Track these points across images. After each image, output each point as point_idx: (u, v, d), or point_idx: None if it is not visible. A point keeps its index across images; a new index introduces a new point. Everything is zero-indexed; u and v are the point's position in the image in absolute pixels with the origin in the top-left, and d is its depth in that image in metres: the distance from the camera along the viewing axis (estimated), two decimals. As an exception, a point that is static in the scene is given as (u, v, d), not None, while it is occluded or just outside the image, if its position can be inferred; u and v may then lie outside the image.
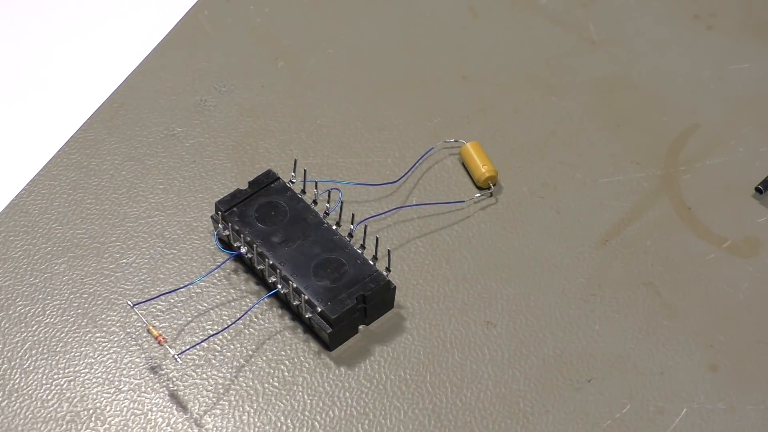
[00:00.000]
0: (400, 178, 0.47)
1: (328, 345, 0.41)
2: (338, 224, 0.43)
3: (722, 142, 0.49)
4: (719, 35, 0.54)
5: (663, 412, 0.39)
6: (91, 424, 0.39)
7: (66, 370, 0.41)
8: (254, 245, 0.42)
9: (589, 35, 0.55)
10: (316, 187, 0.44)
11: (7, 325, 0.42)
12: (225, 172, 0.48)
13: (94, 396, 0.40)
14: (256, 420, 0.39)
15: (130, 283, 0.43)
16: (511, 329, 0.42)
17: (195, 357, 0.41)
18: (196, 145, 0.49)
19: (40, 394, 0.40)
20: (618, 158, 0.49)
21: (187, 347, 0.41)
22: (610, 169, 0.48)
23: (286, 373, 0.40)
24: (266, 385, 0.40)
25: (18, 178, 0.47)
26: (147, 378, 0.40)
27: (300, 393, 0.40)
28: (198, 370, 0.40)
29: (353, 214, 0.43)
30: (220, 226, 0.43)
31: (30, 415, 0.39)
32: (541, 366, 0.41)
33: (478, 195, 0.47)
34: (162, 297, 0.42)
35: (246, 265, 0.43)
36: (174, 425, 0.39)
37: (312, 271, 0.41)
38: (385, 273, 0.41)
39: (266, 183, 0.44)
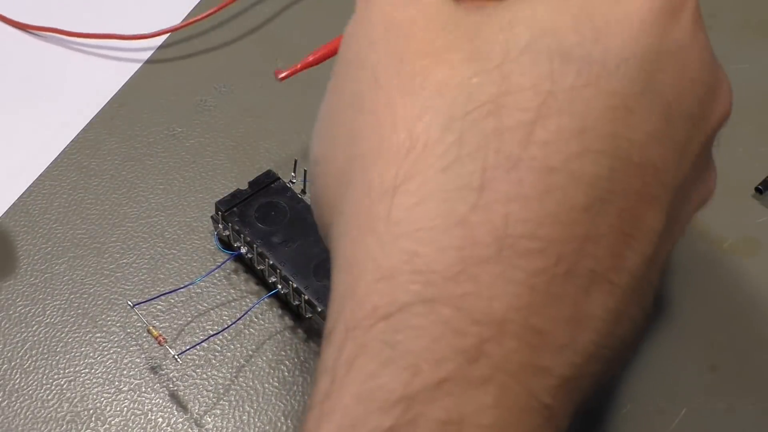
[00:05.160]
0: (400, 178, 0.47)
1: (328, 345, 0.41)
2: (338, 224, 0.43)
3: (722, 142, 0.49)
4: (719, 35, 0.54)
5: (663, 412, 0.39)
6: (92, 424, 0.39)
7: (66, 371, 0.41)
8: (254, 245, 0.42)
9: (589, 35, 0.55)
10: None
11: (7, 325, 0.42)
12: (225, 172, 0.48)
13: (95, 396, 0.40)
14: (256, 420, 0.39)
15: (130, 283, 0.43)
16: (511, 329, 0.42)
17: (195, 357, 0.41)
18: (196, 145, 0.49)
19: (40, 395, 0.40)
20: (618, 158, 0.49)
21: (187, 347, 0.41)
22: (610, 169, 0.48)
23: (286, 373, 0.40)
24: (266, 385, 0.40)
25: (21, 180, 0.47)
26: (147, 378, 0.40)
27: (300, 393, 0.40)
28: (198, 370, 0.40)
29: (353, 214, 0.43)
30: (220, 226, 0.43)
31: (30, 416, 0.39)
32: (541, 366, 0.41)
33: (478, 195, 0.47)
34: (162, 297, 0.42)
35: (246, 265, 0.43)
36: (174, 425, 0.39)
37: (312, 271, 0.41)
38: (385, 273, 0.41)
39: (266, 183, 0.44)
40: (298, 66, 0.40)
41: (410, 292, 0.26)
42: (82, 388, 0.40)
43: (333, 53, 0.39)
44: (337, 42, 0.38)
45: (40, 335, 0.42)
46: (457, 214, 0.26)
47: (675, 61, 0.29)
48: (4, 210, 0.46)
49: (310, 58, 0.40)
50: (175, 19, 0.54)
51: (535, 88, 0.27)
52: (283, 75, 0.40)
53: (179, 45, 0.54)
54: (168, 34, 0.54)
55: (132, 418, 0.39)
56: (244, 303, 0.42)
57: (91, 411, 0.39)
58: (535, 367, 0.26)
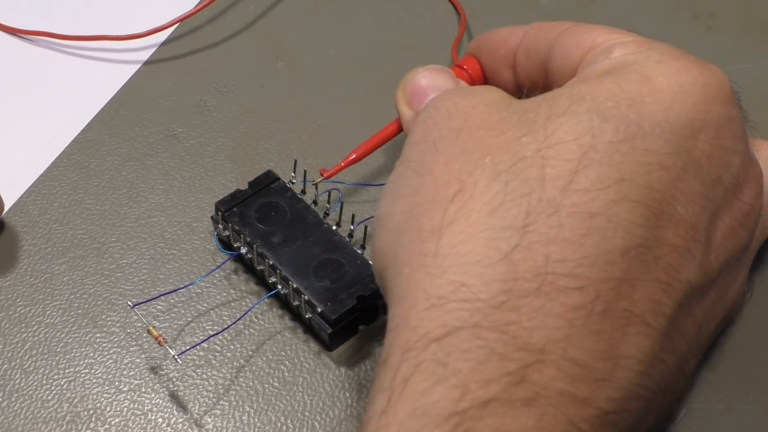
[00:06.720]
0: (400, 179, 0.47)
1: (328, 345, 0.41)
2: (338, 225, 0.43)
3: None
4: (719, 35, 0.55)
5: (663, 412, 0.39)
6: (92, 425, 0.39)
7: (66, 371, 0.41)
8: (254, 246, 0.42)
9: (589, 35, 0.54)
10: (316, 188, 0.44)
11: (7, 326, 0.42)
12: (225, 172, 0.48)
13: (95, 396, 0.40)
14: (256, 420, 0.39)
15: (130, 283, 0.43)
16: (511, 329, 0.42)
17: (195, 357, 0.41)
18: (196, 145, 0.49)
19: (40, 395, 0.40)
20: (618, 158, 0.49)
21: (187, 347, 0.41)
22: (610, 169, 0.48)
23: (286, 374, 0.40)
24: (266, 385, 0.40)
25: (21, 180, 0.47)
26: (147, 378, 0.40)
27: (300, 393, 0.40)
28: (198, 371, 0.40)
29: (353, 215, 0.44)
30: (220, 226, 0.43)
31: (30, 416, 0.39)
32: (541, 366, 0.41)
33: (478, 195, 0.47)
34: (162, 297, 0.42)
35: (246, 265, 0.43)
36: (174, 425, 0.39)
37: (312, 271, 0.41)
38: (385, 273, 0.41)
39: (266, 183, 0.44)
40: (342, 164, 0.43)
41: (459, 318, 0.28)
42: (82, 388, 0.40)
43: (374, 149, 0.43)
44: (376, 139, 0.43)
45: (40, 335, 0.42)
46: (501, 251, 0.29)
47: (708, 129, 0.33)
48: (5, 210, 0.46)
49: (353, 156, 0.43)
50: (171, 19, 0.54)
51: (577, 141, 0.30)
52: (327, 174, 0.43)
53: (179, 45, 0.54)
54: (172, 29, 0.54)
55: (132, 418, 0.39)
56: (244, 303, 0.42)
57: (91, 411, 0.39)
58: (575, 396, 0.28)
